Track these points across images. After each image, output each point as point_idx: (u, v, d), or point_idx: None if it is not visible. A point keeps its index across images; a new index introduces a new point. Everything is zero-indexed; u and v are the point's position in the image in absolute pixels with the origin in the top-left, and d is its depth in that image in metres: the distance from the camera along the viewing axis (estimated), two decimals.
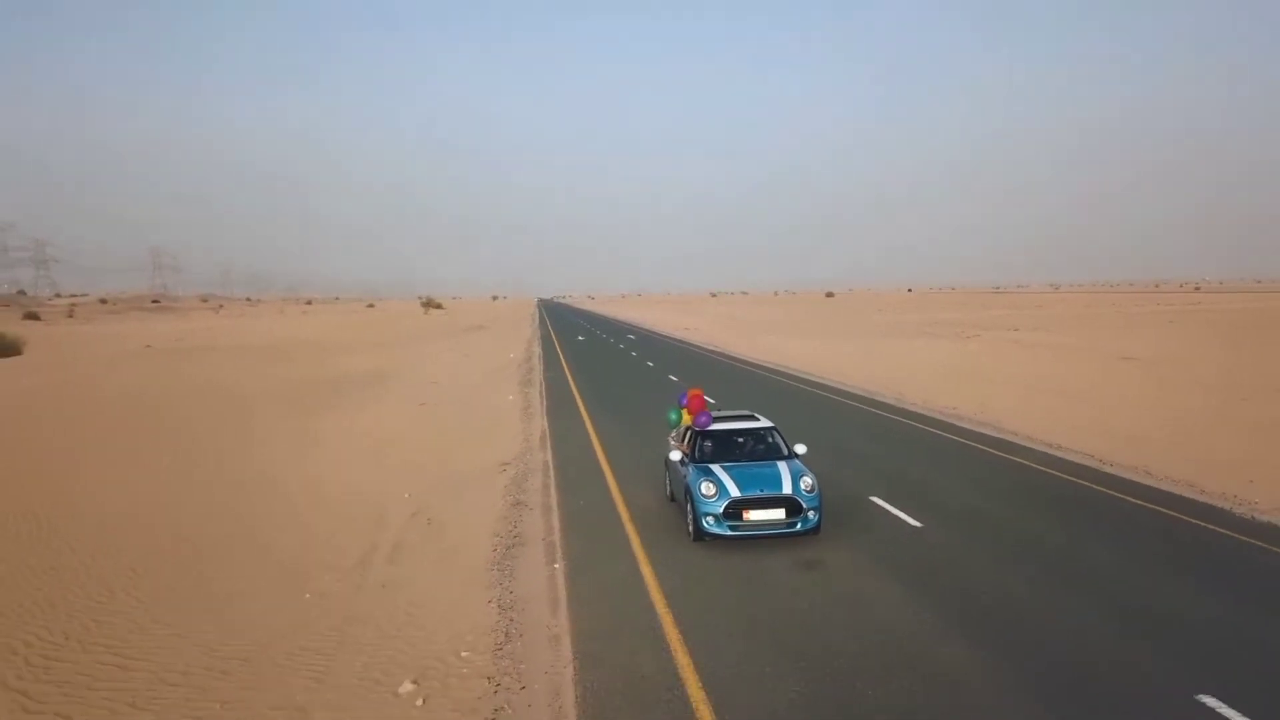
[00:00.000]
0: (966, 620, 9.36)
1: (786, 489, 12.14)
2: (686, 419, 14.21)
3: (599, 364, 46.29)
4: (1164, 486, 15.48)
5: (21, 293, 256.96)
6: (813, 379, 35.92)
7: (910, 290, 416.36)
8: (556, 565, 11.72)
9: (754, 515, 12.03)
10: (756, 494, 12.08)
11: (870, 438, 21.56)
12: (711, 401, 16.42)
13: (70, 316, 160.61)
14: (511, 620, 9.78)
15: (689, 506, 12.59)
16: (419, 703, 7.95)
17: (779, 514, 12.07)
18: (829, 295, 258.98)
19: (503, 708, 7.77)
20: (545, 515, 14.40)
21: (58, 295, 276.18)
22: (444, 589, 11.03)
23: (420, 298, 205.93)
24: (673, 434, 14.85)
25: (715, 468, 12.72)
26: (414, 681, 8.32)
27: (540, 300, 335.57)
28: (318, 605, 10.77)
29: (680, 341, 65.88)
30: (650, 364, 45.72)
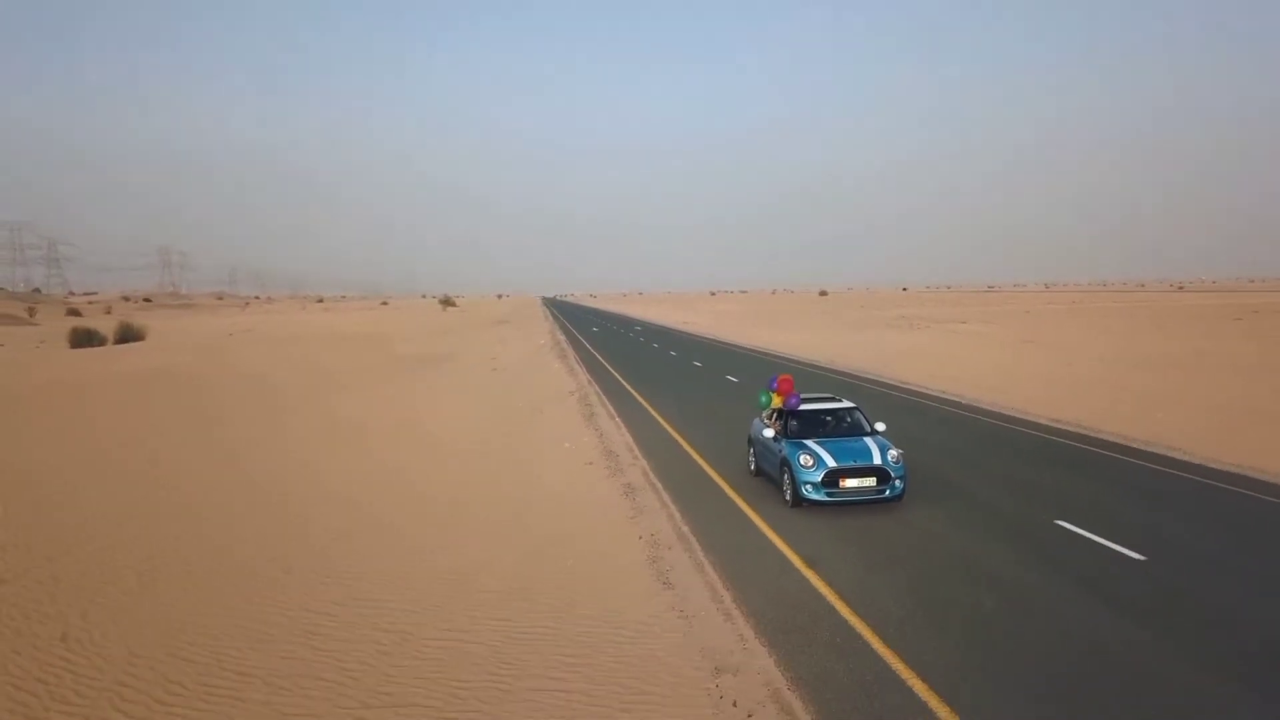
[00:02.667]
0: None
1: (877, 460, 13.67)
2: (776, 401, 15.68)
3: (616, 347, 58.67)
4: (958, 400, 27.83)
5: (36, 290, 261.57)
6: (773, 352, 48.31)
7: (905, 289, 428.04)
8: (616, 420, 24.04)
9: (849, 483, 13.53)
10: (851, 464, 13.59)
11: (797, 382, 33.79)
12: (699, 365, 28.49)
13: (108, 313, 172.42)
14: (601, 432, 22.03)
15: (786, 477, 14.11)
16: (571, 449, 20.10)
17: (871, 482, 13.58)
18: (822, 294, 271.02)
19: (609, 448, 19.97)
20: (604, 407, 26.74)
21: (71, 293, 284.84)
22: (566, 427, 23.19)
23: (427, 295, 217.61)
24: (761, 415, 16.47)
25: (809, 443, 14.18)
26: (568, 444, 20.51)
27: (544, 299, 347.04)
28: (508, 435, 22.88)
29: (680, 331, 78.47)
30: (655, 346, 58.41)
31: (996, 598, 9.86)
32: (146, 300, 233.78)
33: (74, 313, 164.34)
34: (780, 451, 14.52)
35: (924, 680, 7.86)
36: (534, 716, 7.49)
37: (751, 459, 16.61)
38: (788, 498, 14.04)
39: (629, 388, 32.45)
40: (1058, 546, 11.71)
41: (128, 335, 65.14)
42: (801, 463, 13.68)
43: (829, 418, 15.32)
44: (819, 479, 13.49)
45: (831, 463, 13.55)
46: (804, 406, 15.46)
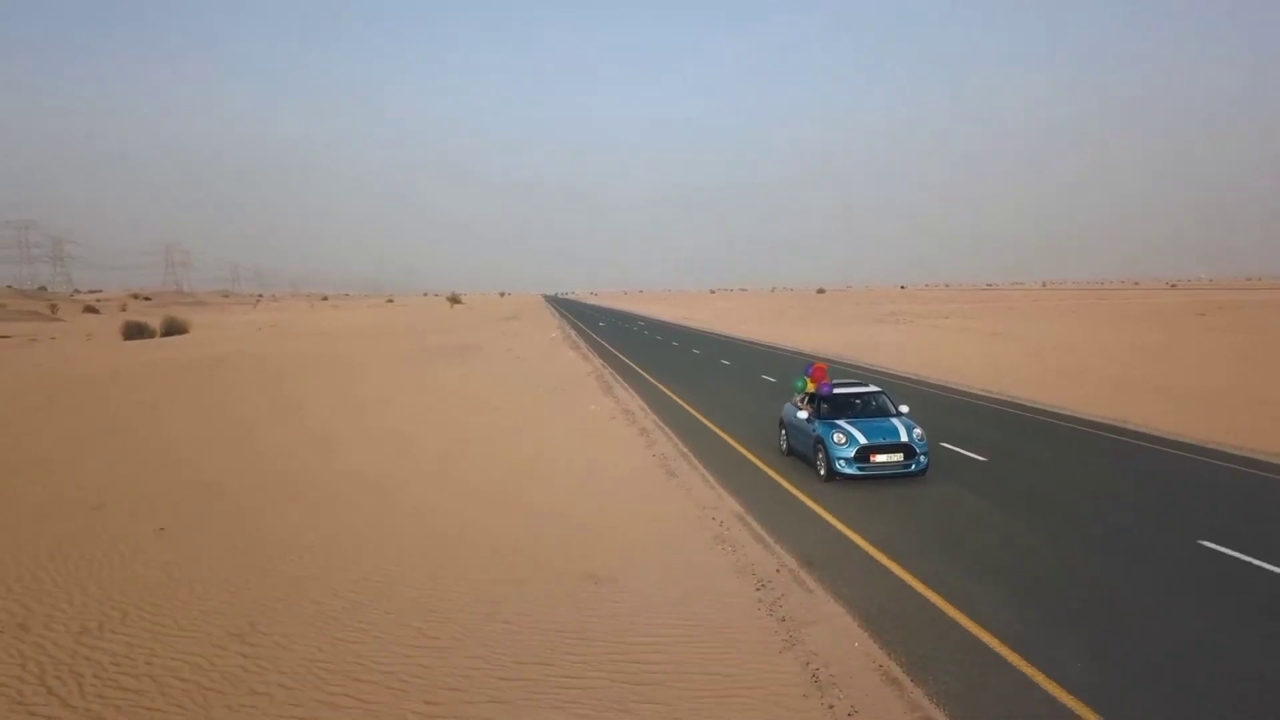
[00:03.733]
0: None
1: (904, 437, 14.96)
2: (810, 387, 16.92)
3: (622, 339, 64.48)
4: (909, 375, 33.51)
5: (42, 288, 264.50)
6: (764, 343, 54.07)
7: (902, 287, 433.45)
8: (629, 391, 29.76)
9: (879, 458, 14.76)
10: (881, 441, 14.86)
11: (769, 363, 39.48)
12: (697, 353, 34.11)
13: (124, 310, 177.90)
14: (618, 399, 27.70)
15: (820, 454, 15.32)
16: (597, 410, 25.76)
17: (898, 457, 14.84)
18: (820, 292, 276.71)
19: (626, 408, 25.64)
20: (617, 382, 32.44)
21: (76, 291, 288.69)
22: (590, 397, 28.82)
23: (429, 293, 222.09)
24: (795, 399, 17.62)
25: (842, 422, 15.35)
26: (593, 405, 26.17)
27: (546, 296, 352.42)
28: (547, 403, 28.52)
29: (681, 326, 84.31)
30: (659, 338, 64.24)
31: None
32: (145, 298, 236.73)
33: (90, 310, 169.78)
34: (814, 431, 15.72)
35: (826, 508, 13.57)
36: (603, 516, 13.20)
37: (783, 440, 17.81)
38: (821, 473, 15.33)
39: (638, 369, 38.18)
40: (933, 454, 17.40)
41: (173, 329, 70.78)
42: (835, 440, 14.96)
43: (858, 400, 16.53)
44: (851, 455, 14.78)
45: (863, 440, 14.85)
46: (835, 391, 16.68)
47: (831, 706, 7.22)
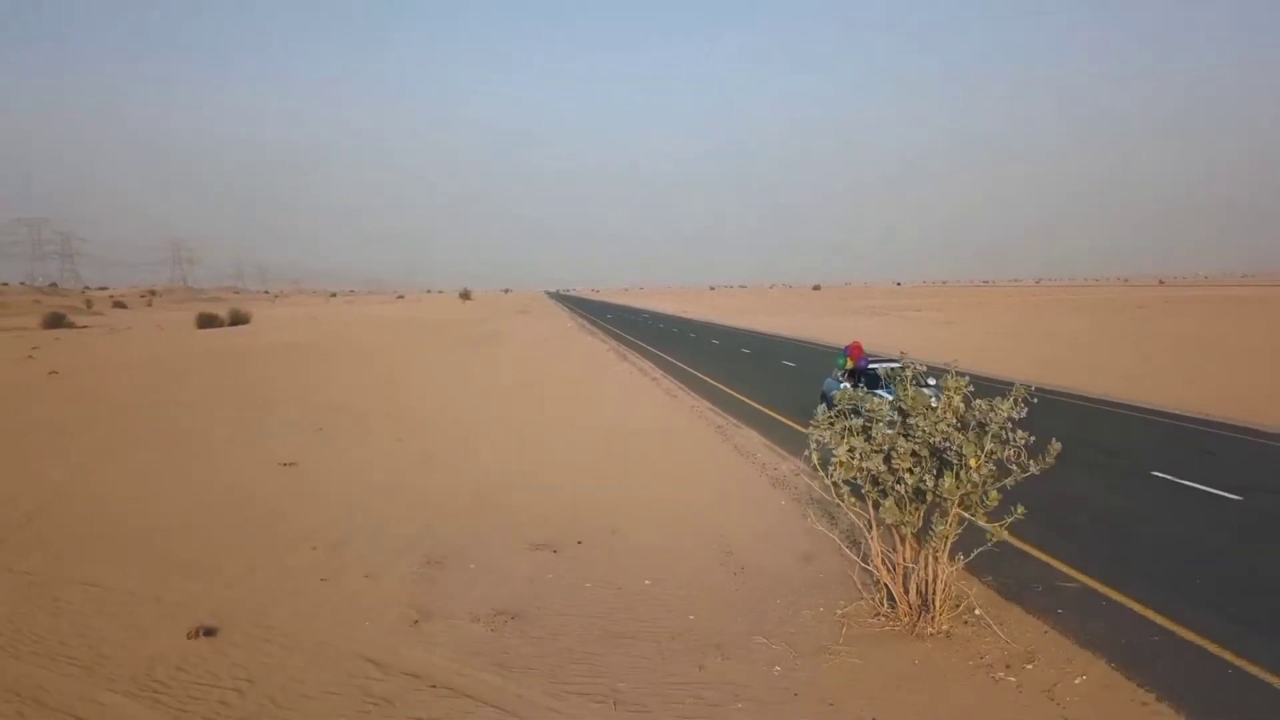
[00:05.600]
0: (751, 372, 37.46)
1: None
2: (849, 363, 19.76)
3: (629, 327, 74.78)
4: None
5: (54, 285, 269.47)
6: (750, 329, 64.41)
7: (899, 284, 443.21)
8: (642, 359, 39.95)
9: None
10: None
11: (747, 341, 49.59)
12: (694, 336, 44.10)
13: (149, 305, 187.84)
14: (633, 363, 37.90)
15: None
16: (619, 371, 35.88)
17: None
18: (815, 288, 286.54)
19: (641, 369, 35.82)
20: (631, 355, 42.66)
21: (86, 287, 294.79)
22: (612, 363, 38.92)
23: (431, 290, 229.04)
24: (835, 374, 20.41)
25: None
26: (616, 368, 36.31)
27: (549, 293, 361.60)
28: (583, 367, 38.57)
29: (681, 318, 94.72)
30: (661, 326, 74.66)
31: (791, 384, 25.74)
32: (152, 293, 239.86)
33: (119, 305, 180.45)
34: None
35: (755, 402, 23.75)
36: (639, 419, 23.36)
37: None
38: None
39: (647, 346, 48.41)
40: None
41: (237, 319, 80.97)
42: None
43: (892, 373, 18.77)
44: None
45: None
46: (871, 366, 19.37)
47: (742, 453, 17.40)
